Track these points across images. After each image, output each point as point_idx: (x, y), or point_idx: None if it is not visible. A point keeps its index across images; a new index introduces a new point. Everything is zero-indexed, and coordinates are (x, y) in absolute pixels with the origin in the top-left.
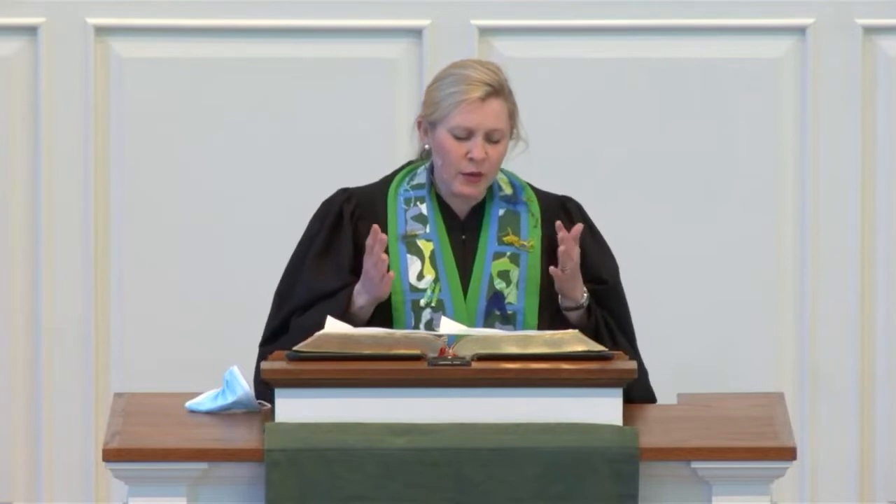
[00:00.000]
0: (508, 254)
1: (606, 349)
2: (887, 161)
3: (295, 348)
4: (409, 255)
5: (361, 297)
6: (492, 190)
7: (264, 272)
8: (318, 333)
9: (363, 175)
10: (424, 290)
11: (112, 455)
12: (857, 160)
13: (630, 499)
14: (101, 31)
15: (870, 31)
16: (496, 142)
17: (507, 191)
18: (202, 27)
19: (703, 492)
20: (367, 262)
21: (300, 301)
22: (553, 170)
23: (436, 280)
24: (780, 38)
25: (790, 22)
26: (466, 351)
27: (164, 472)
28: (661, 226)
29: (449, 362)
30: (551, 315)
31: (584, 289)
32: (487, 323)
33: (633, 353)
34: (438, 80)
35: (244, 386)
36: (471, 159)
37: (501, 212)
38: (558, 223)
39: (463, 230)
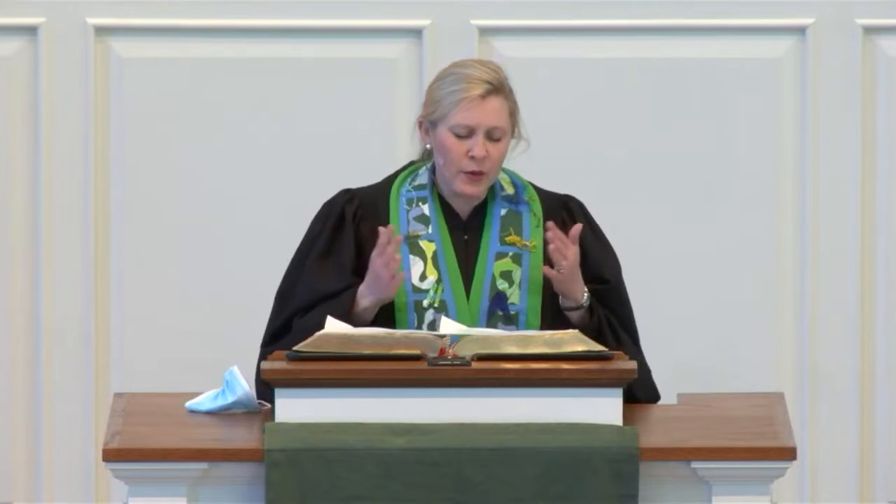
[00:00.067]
0: (511, 254)
1: (607, 349)
2: (887, 161)
3: (295, 348)
4: (411, 256)
5: (366, 298)
6: (493, 190)
7: (264, 272)
8: (317, 333)
9: (363, 175)
10: (427, 291)
11: (112, 455)
12: (857, 160)
13: (630, 499)
14: (101, 31)
15: (870, 31)
16: (497, 140)
17: (509, 190)
18: (202, 27)
19: (703, 492)
20: (378, 262)
21: (302, 302)
22: (553, 170)
23: (438, 281)
24: (780, 38)
25: (790, 22)
26: (466, 351)
27: (164, 472)
28: (661, 226)
29: (449, 362)
30: (553, 315)
31: (585, 289)
32: (490, 323)
33: (637, 352)
34: (439, 79)
35: (244, 386)
36: (472, 157)
37: (503, 212)
38: (549, 223)
39: (465, 230)
